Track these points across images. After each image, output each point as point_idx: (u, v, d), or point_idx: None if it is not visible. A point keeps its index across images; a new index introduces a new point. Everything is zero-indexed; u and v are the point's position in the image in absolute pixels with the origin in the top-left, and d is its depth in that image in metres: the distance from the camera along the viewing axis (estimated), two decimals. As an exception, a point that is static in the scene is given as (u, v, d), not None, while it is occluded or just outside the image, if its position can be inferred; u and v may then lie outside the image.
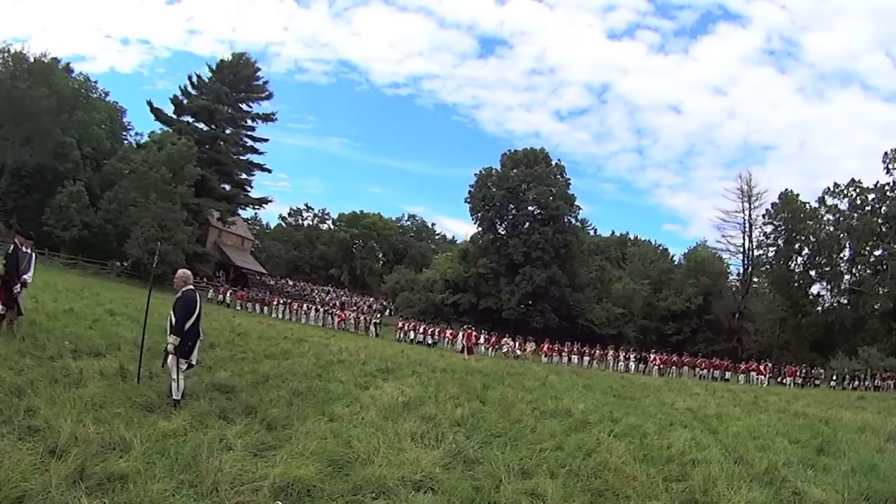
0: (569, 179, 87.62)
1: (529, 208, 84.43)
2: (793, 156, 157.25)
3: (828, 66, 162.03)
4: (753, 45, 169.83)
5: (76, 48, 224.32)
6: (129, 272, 66.65)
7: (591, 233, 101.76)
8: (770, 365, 58.85)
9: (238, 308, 62.34)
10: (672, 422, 17.33)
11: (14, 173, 68.82)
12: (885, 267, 76.77)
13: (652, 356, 59.43)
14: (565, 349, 59.63)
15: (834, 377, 58.19)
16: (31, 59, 68.94)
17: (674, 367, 58.03)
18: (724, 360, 61.50)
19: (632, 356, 59.94)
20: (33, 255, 16.75)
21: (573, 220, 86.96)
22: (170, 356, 12.05)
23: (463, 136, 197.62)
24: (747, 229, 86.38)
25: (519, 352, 55.93)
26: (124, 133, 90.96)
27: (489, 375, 25.74)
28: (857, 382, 55.64)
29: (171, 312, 12.17)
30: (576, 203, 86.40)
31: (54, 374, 11.90)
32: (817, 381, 58.11)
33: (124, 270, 65.76)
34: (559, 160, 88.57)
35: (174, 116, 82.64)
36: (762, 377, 54.91)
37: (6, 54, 73.15)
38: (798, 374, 57.95)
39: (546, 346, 59.55)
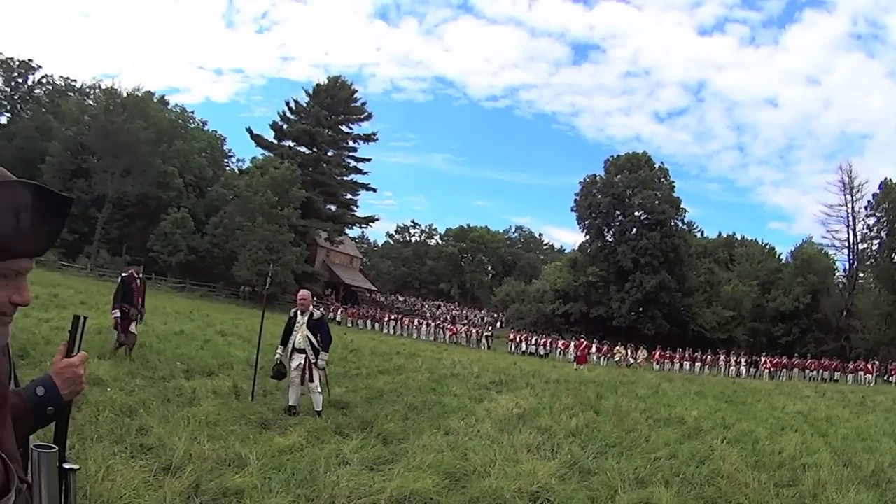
0: (673, 182, 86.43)
1: (636, 214, 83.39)
2: (890, 143, 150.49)
3: None
4: (840, 31, 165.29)
5: (169, 81, 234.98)
6: (237, 293, 68.27)
7: (698, 235, 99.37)
8: (877, 363, 57.03)
9: (349, 325, 63.25)
10: (783, 426, 17.35)
11: (116, 203, 71.41)
12: None
13: (763, 359, 58.94)
14: (677, 356, 59.43)
15: None
16: (125, 94, 71.46)
17: (784, 370, 57.27)
18: (833, 361, 60.25)
19: (742, 360, 59.37)
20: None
21: (680, 224, 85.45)
22: (318, 371, 13.25)
23: (564, 145, 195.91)
24: (851, 223, 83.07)
25: (631, 360, 55.38)
26: (225, 160, 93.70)
27: (602, 385, 25.67)
28: None
29: (308, 332, 13.19)
30: (681, 206, 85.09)
31: (167, 394, 12.14)
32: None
33: (250, 294, 67.14)
34: (662, 163, 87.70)
35: (275, 141, 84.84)
36: (870, 376, 53.64)
37: (97, 90, 76.80)
38: (892, 370, 56.08)
39: (658, 353, 59.31)
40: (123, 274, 16.93)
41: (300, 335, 13.13)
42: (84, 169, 70.06)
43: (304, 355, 13.00)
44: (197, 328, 27.54)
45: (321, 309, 14.97)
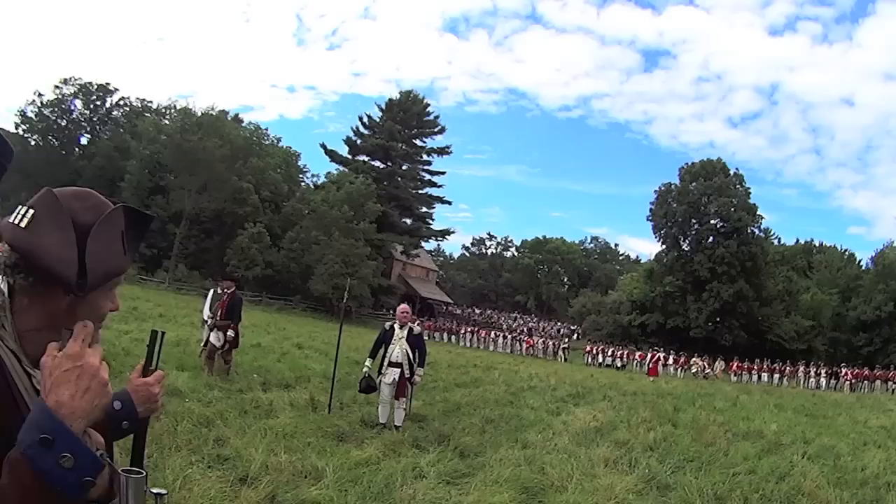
0: (749, 188, 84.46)
1: (712, 222, 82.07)
2: None
3: None
4: None
5: (243, 100, 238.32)
6: (313, 307, 69.01)
7: (775, 242, 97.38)
8: None
9: (426, 338, 63.14)
10: (866, 441, 16.87)
11: (193, 219, 72.93)
12: None
13: (843, 370, 57.26)
14: (755, 367, 58.22)
15: None
16: (199, 113, 73.17)
17: (866, 382, 55.61)
18: (918, 372, 57.94)
19: (822, 371, 57.82)
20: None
21: (756, 231, 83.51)
22: (410, 387, 13.44)
23: (638, 153, 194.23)
24: None
25: (709, 371, 54.63)
26: (301, 175, 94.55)
27: (680, 397, 25.35)
28: None
29: (408, 346, 13.17)
30: (758, 212, 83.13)
31: (244, 406, 12.30)
32: None
33: (349, 309, 67.84)
34: (737, 169, 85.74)
35: (349, 157, 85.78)
36: None
37: (173, 110, 79.48)
38: None
39: (735, 364, 58.27)
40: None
41: (398, 349, 13.10)
42: (161, 186, 72.05)
43: (399, 370, 12.99)
44: (274, 341, 27.87)
45: (419, 324, 15.06)
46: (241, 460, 8.39)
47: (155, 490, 1.40)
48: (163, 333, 2.01)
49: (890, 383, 55.14)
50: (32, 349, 1.67)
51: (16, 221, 1.71)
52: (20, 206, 1.75)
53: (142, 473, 1.35)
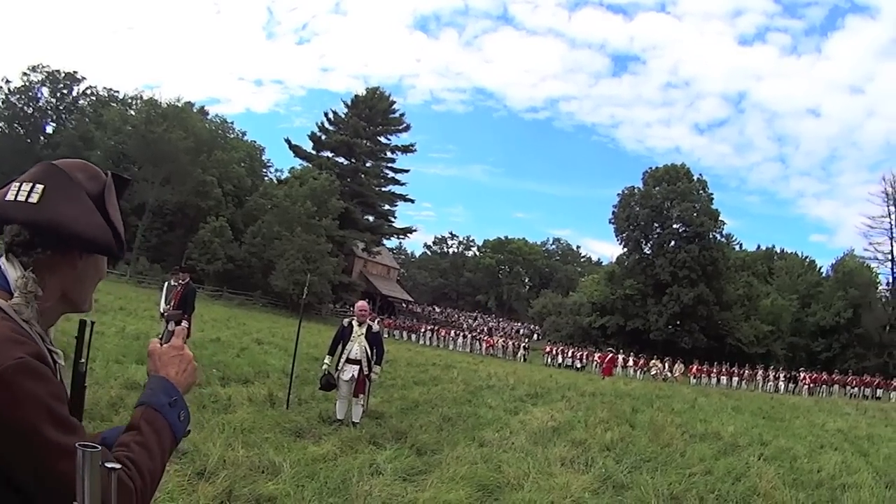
0: (712, 194, 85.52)
1: (674, 226, 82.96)
2: None
3: None
4: (885, 37, 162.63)
5: (210, 92, 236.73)
6: (273, 302, 68.77)
7: (737, 248, 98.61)
8: None
9: (385, 335, 63.19)
10: (822, 444, 17.11)
11: (156, 211, 72.63)
12: None
13: (802, 375, 58.07)
14: (714, 370, 58.78)
15: None
16: (165, 105, 72.84)
17: (824, 386, 56.36)
18: (875, 377, 58.88)
19: (781, 375, 58.58)
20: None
21: (718, 236, 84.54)
22: (368, 384, 13.56)
23: (604, 157, 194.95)
24: (894, 235, 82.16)
25: (668, 374, 55.09)
26: (264, 170, 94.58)
27: (638, 398, 25.38)
28: None
29: (366, 343, 13.29)
30: (720, 218, 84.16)
31: (202, 401, 12.20)
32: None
33: (288, 302, 67.46)
34: (701, 175, 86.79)
35: (313, 152, 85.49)
36: None
37: (139, 101, 78.78)
38: None
39: (695, 367, 58.77)
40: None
41: (357, 346, 13.15)
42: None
43: (357, 367, 13.02)
44: (233, 336, 27.73)
45: (378, 322, 15.13)
46: (199, 454, 8.37)
47: (109, 465, 1.47)
48: (92, 324, 2.10)
49: (848, 388, 56.13)
50: (46, 324, 1.87)
51: (22, 199, 1.80)
52: (13, 184, 1.84)
53: (97, 448, 1.42)
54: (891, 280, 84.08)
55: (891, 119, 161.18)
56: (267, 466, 8.48)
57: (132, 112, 76.55)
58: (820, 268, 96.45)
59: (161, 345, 2.10)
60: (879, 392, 55.14)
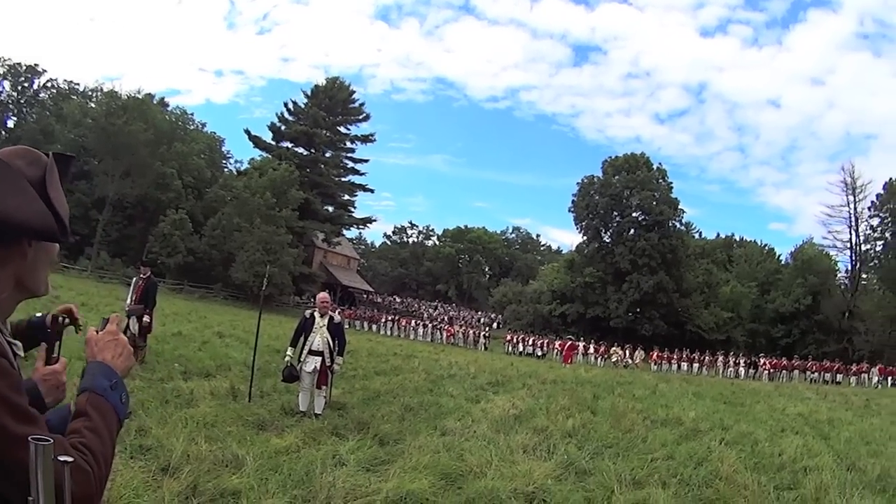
0: (671, 183, 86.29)
1: (633, 214, 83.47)
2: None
3: None
4: (847, 31, 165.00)
5: (171, 83, 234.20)
6: (234, 295, 68.36)
7: (696, 236, 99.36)
8: (882, 366, 56.79)
9: (346, 326, 62.91)
10: (783, 428, 17.28)
11: (116, 205, 71.71)
12: None
13: (762, 360, 58.64)
14: (674, 356, 59.26)
15: None
16: (125, 97, 71.87)
17: (784, 371, 56.97)
18: (835, 363, 59.89)
19: (741, 361, 59.17)
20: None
21: (678, 225, 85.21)
22: (330, 376, 13.47)
23: (564, 146, 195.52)
24: (853, 223, 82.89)
25: (629, 361, 55.45)
26: (224, 161, 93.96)
27: (599, 385, 25.57)
28: None
29: (328, 335, 13.18)
30: (679, 207, 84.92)
31: (165, 396, 12.16)
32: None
33: (249, 294, 67.00)
34: (660, 164, 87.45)
35: (273, 143, 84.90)
36: (875, 378, 53.76)
37: (99, 93, 77.64)
38: (895, 373, 55.91)
39: (655, 354, 59.21)
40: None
41: (319, 337, 13.09)
42: (86, 171, 70.48)
43: (320, 358, 12.98)
44: (195, 329, 27.54)
45: (339, 312, 15.10)
46: (163, 450, 8.31)
47: (62, 458, 1.50)
48: (64, 318, 2.24)
49: (808, 373, 56.76)
50: (4, 315, 1.92)
51: None
52: None
53: (50, 441, 1.46)
54: (850, 268, 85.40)
55: (851, 111, 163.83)
56: (230, 460, 8.43)
57: (93, 105, 75.64)
58: (779, 255, 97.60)
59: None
60: (839, 377, 55.97)
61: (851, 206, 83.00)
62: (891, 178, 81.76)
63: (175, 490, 6.91)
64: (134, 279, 17.60)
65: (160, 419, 10.06)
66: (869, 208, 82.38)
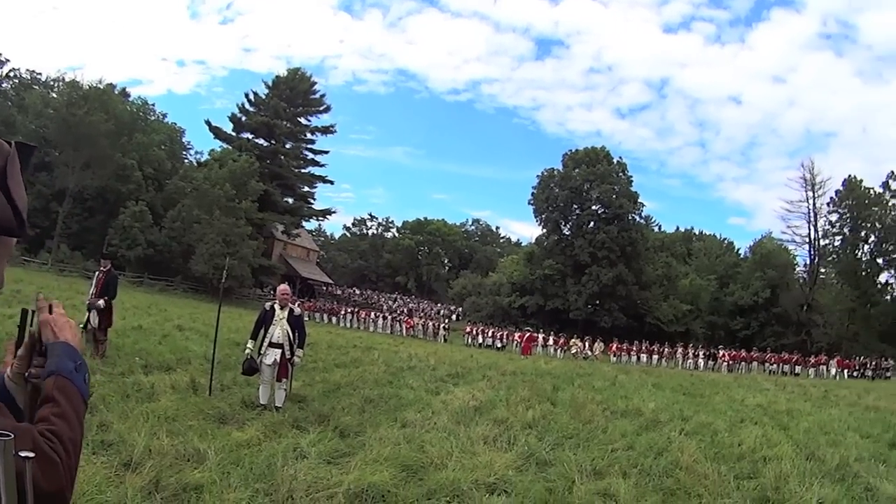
0: (631, 177, 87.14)
1: (593, 207, 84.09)
2: (855, 141, 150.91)
3: (885, 47, 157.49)
4: (809, 31, 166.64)
5: (132, 73, 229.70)
6: (194, 287, 67.88)
7: (656, 229, 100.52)
8: (840, 358, 57.87)
9: (306, 318, 62.71)
10: (742, 419, 17.41)
11: (76, 196, 70.76)
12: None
13: (721, 352, 59.29)
14: (634, 348, 59.64)
15: None
16: (86, 87, 70.95)
17: (743, 363, 57.48)
18: (794, 355, 60.64)
19: (700, 353, 59.53)
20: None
21: (637, 218, 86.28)
22: (291, 368, 13.38)
23: (525, 139, 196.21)
24: (812, 219, 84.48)
25: (588, 352, 55.73)
26: (184, 152, 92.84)
27: (559, 377, 25.70)
28: None
29: (288, 327, 13.17)
30: (639, 200, 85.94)
31: (126, 390, 12.06)
32: (888, 374, 57.16)
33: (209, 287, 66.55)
34: (621, 158, 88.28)
35: (233, 134, 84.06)
36: (833, 370, 54.72)
37: (61, 83, 76.28)
38: (852, 365, 57.35)
39: (615, 345, 59.47)
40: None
41: (279, 329, 13.06)
42: (46, 162, 69.40)
43: (280, 351, 12.94)
44: (155, 323, 27.27)
45: (299, 305, 15.06)
46: (125, 445, 8.26)
47: (23, 453, 1.51)
48: (34, 312, 2.10)
49: (767, 365, 57.45)
50: None
51: None
52: None
53: (10, 436, 1.47)
54: (808, 262, 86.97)
55: (811, 109, 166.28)
56: (192, 454, 8.40)
57: (54, 95, 74.45)
58: (738, 249, 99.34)
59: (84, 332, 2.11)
60: (798, 368, 56.77)
61: (810, 201, 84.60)
62: (850, 175, 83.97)
63: (137, 485, 6.88)
64: (96, 273, 17.48)
65: (121, 414, 9.99)
66: (828, 204, 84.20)
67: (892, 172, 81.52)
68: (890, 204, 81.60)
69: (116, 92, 78.36)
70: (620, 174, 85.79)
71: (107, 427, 9.10)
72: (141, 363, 15.38)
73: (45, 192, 67.01)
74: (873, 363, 58.65)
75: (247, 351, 13.36)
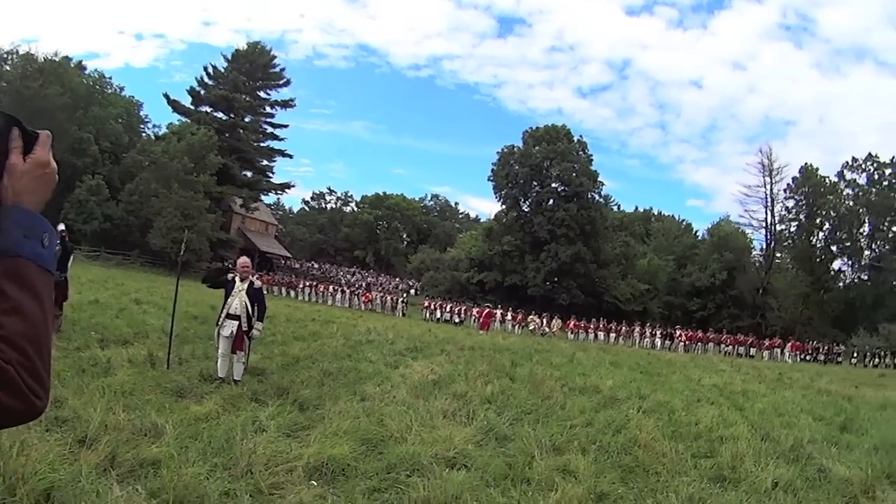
0: (591, 155, 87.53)
1: (553, 185, 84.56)
2: (813, 130, 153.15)
3: (842, 41, 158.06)
4: (770, 20, 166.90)
5: (89, 46, 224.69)
6: (151, 261, 67.19)
7: (615, 209, 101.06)
8: (794, 342, 58.78)
9: (265, 292, 62.45)
10: (699, 398, 17.50)
11: (31, 171, 69.18)
12: (902, 244, 76.72)
13: (678, 332, 59.45)
14: (591, 326, 59.78)
15: (855, 354, 58.42)
16: (42, 60, 69.67)
17: (699, 344, 57.90)
18: (749, 337, 61.50)
19: (658, 332, 59.85)
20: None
21: (597, 197, 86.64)
22: (248, 341, 13.20)
23: (486, 116, 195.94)
24: (769, 204, 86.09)
25: (546, 329, 55.92)
26: (142, 126, 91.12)
27: (517, 353, 25.69)
28: (877, 360, 55.65)
29: (247, 299, 13.02)
30: (599, 179, 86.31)
31: (81, 365, 11.83)
32: (839, 359, 58.16)
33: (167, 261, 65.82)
34: (581, 136, 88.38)
35: (192, 107, 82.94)
36: (787, 353, 55.40)
37: (15, 56, 74.25)
38: (806, 349, 58.08)
39: (572, 323, 59.57)
40: None
41: (237, 301, 12.92)
42: (2, 129, 67.87)
43: (237, 322, 12.80)
44: (112, 297, 26.93)
45: (258, 278, 14.90)
46: (80, 421, 8.06)
47: None
48: None
49: (723, 346, 58.02)
50: None
51: None
52: None
53: None
54: (764, 246, 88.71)
55: (770, 96, 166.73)
56: (149, 429, 8.24)
57: (7, 68, 72.52)
58: (696, 231, 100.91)
59: None
60: (752, 351, 57.29)
61: (768, 187, 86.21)
62: (806, 163, 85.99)
63: (93, 462, 6.68)
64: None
65: (76, 389, 9.77)
66: (785, 190, 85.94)
67: (847, 163, 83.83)
68: (844, 193, 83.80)
69: (72, 65, 76.54)
70: (580, 153, 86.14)
71: (61, 403, 8.86)
72: (97, 337, 15.14)
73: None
74: (825, 348, 59.50)
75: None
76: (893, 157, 78.75)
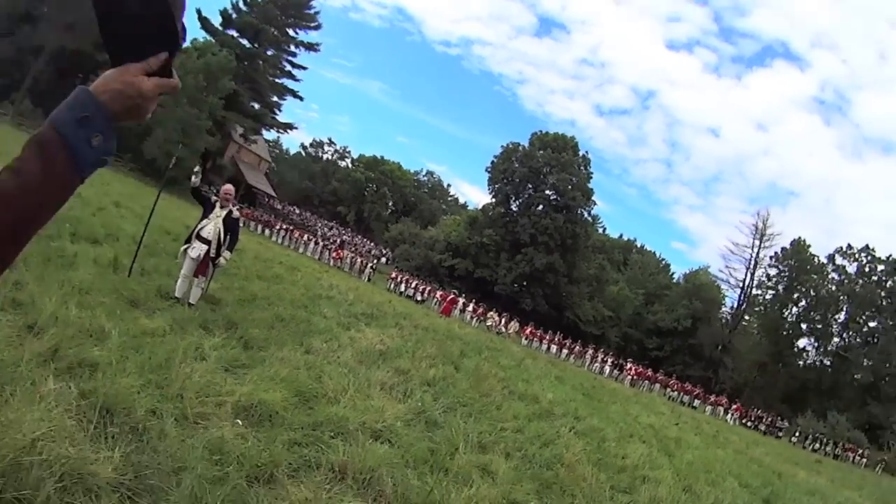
0: (591, 173, 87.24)
1: (546, 192, 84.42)
2: (815, 207, 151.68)
3: (872, 129, 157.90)
4: (806, 91, 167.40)
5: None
6: (141, 168, 66.77)
7: (600, 230, 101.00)
8: (739, 406, 59.30)
9: (240, 224, 62.11)
10: (632, 434, 17.32)
11: (53, 55, 68.92)
12: (875, 340, 77.66)
13: (629, 365, 59.46)
14: (547, 337, 59.57)
15: (797, 434, 58.42)
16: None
17: (647, 382, 57.82)
18: (697, 388, 61.38)
19: (609, 360, 59.71)
20: None
21: (586, 214, 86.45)
22: (212, 268, 13.33)
23: (500, 108, 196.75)
24: (752, 266, 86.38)
25: (502, 329, 56.05)
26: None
27: (469, 344, 25.36)
28: (818, 445, 55.68)
29: (222, 226, 13.09)
30: (593, 198, 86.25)
31: (49, 254, 11.85)
32: (780, 433, 58.27)
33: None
34: (587, 152, 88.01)
35: (220, 28, 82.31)
36: (730, 414, 55.73)
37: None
38: (749, 415, 58.34)
39: (529, 329, 59.43)
40: None
41: (212, 225, 12.96)
42: (32, 15, 67.68)
43: (207, 247, 12.83)
44: (94, 194, 26.57)
45: (238, 209, 14.88)
46: (34, 308, 8.15)
47: None
48: None
49: (669, 390, 57.90)
50: None
51: None
52: None
53: None
54: (735, 305, 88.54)
55: (783, 163, 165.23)
56: (96, 331, 8.29)
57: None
58: (673, 273, 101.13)
59: None
60: (697, 402, 57.48)
61: (755, 250, 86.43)
62: (799, 237, 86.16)
63: (36, 351, 6.76)
64: None
65: (38, 276, 9.81)
66: (771, 257, 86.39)
67: (841, 248, 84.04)
68: (830, 276, 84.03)
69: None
70: (582, 168, 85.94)
71: (21, 286, 8.93)
72: (70, 230, 15.10)
73: (24, 45, 65.19)
74: (769, 419, 59.41)
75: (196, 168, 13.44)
76: (889, 255, 79.41)
